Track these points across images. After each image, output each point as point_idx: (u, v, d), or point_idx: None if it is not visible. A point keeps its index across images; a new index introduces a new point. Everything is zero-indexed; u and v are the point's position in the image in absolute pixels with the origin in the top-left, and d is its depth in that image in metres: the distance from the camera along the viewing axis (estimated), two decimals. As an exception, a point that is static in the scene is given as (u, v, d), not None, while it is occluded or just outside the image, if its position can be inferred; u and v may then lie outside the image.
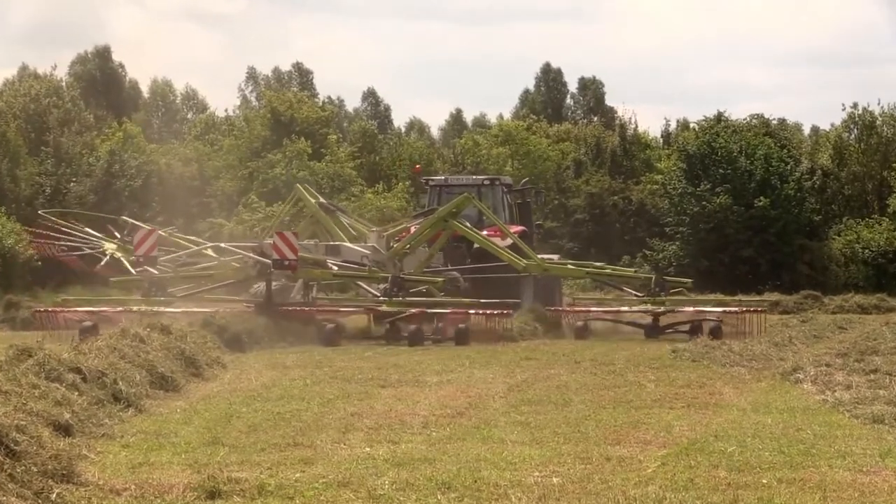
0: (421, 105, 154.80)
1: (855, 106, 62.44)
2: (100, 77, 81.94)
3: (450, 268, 30.45)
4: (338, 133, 65.77)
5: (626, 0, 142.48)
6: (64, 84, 63.31)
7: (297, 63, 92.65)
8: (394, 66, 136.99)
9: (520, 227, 32.32)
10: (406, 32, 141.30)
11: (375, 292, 27.67)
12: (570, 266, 33.08)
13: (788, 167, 55.44)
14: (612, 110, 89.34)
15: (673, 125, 75.33)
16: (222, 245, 30.38)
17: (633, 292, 30.06)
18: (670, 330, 28.49)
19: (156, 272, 27.50)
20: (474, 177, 38.47)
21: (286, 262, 26.18)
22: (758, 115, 63.24)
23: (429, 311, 26.53)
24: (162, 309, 25.24)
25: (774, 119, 64.59)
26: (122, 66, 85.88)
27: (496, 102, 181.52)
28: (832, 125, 67.46)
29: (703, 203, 53.86)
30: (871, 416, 12.58)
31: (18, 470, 8.61)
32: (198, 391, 15.44)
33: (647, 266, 51.03)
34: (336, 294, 35.37)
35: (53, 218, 33.67)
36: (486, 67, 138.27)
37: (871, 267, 54.17)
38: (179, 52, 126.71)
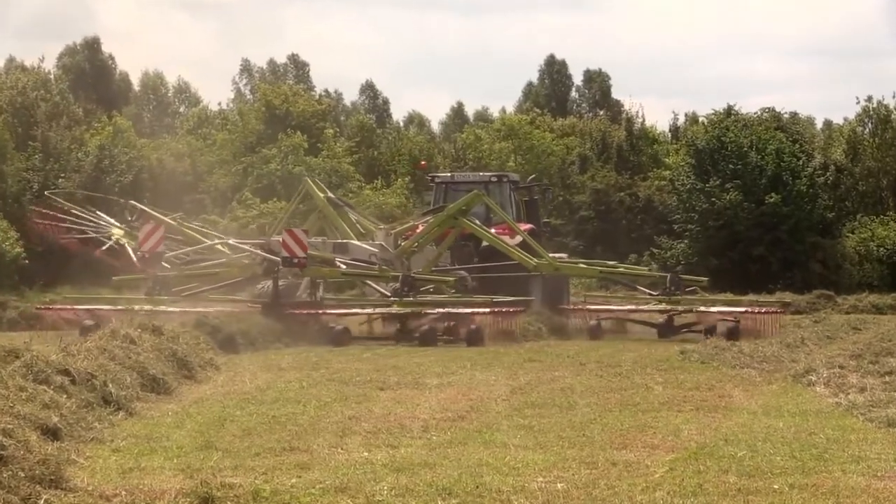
0: (421, 98, 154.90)
1: (869, 99, 62.51)
2: (89, 69, 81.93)
3: (457, 267, 30.63)
4: (335, 127, 65.77)
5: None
6: (52, 77, 63.31)
7: (293, 55, 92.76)
8: (393, 58, 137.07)
9: (528, 225, 32.45)
10: (405, 23, 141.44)
11: (385, 291, 27.80)
12: (581, 265, 33.35)
13: (801, 162, 55.41)
14: (618, 104, 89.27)
15: (681, 119, 75.42)
16: (231, 241, 30.24)
17: (648, 291, 30.28)
18: (685, 330, 28.61)
19: (162, 269, 27.49)
20: (481, 173, 38.56)
21: (295, 260, 26.32)
22: (769, 108, 63.23)
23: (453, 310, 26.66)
24: (166, 309, 25.33)
25: (786, 113, 64.60)
26: (111, 57, 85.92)
27: (498, 95, 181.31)
28: (845, 119, 67.63)
29: (713, 199, 53.83)
30: (886, 420, 12.59)
31: (5, 475, 8.61)
32: (190, 394, 15.45)
33: (654, 265, 51.06)
34: (333, 293, 35.39)
35: (60, 200, 33.60)
36: (489, 59, 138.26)
37: (887, 265, 54.16)
38: (171, 43, 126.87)
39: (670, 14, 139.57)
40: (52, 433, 10.78)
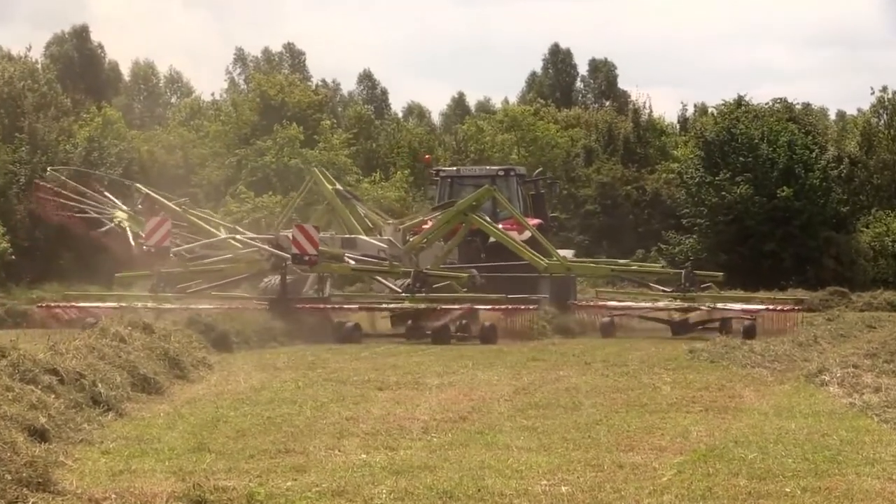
0: (420, 88, 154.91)
1: (884, 90, 62.54)
2: (78, 58, 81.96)
3: (466, 265, 30.80)
4: (332, 118, 65.82)
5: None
6: (39, 66, 63.24)
7: (289, 43, 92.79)
8: (392, 47, 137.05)
9: (536, 221, 32.59)
10: (405, 10, 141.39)
11: (396, 288, 27.88)
12: (593, 264, 33.56)
13: (813, 155, 55.42)
14: (624, 94, 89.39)
15: (690, 110, 75.46)
16: (239, 235, 30.18)
17: (661, 288, 30.46)
18: (700, 328, 28.72)
19: (167, 264, 27.51)
20: (488, 167, 38.68)
21: (306, 257, 26.23)
22: (781, 99, 63.30)
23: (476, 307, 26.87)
24: (169, 306, 25.37)
25: (798, 103, 64.65)
26: (101, 46, 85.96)
27: (501, 85, 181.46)
28: (859, 110, 67.60)
29: (723, 193, 53.86)
30: (901, 421, 12.59)
31: (-9, 478, 8.61)
32: (182, 394, 15.45)
33: (661, 260, 51.09)
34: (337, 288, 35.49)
35: (63, 177, 33.49)
36: (491, 48, 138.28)
37: (902, 262, 54.23)
38: (162, 31, 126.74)
39: (679, 2, 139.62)
40: (39, 434, 10.78)
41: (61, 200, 31.81)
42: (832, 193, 55.11)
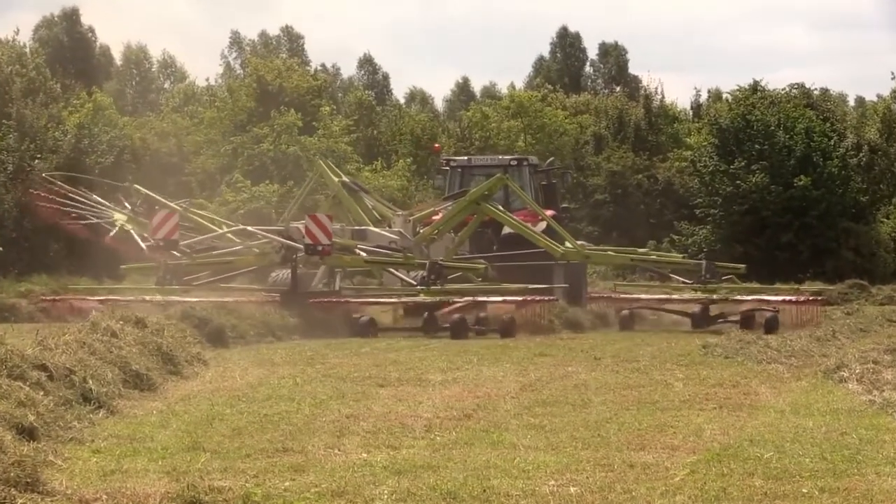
0: (423, 73, 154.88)
1: (905, 74, 62.42)
2: (67, 42, 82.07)
3: (476, 255, 31.03)
4: (331, 104, 65.85)
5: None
6: (28, 50, 63.28)
7: (287, 26, 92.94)
8: (393, 30, 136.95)
9: (549, 212, 32.78)
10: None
11: (410, 280, 27.97)
12: (611, 252, 33.82)
13: (832, 142, 55.42)
14: (635, 79, 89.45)
15: (704, 96, 75.57)
16: (250, 228, 30.47)
17: (681, 279, 30.66)
18: (721, 320, 28.81)
19: (174, 257, 27.72)
20: (500, 157, 38.93)
21: (319, 248, 26.37)
22: (798, 84, 63.28)
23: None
24: (177, 298, 25.53)
25: (816, 89, 64.69)
26: (91, 30, 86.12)
27: (507, 70, 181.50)
28: (879, 96, 67.55)
29: (738, 182, 53.87)
30: (923, 419, 12.60)
31: (-23, 478, 8.62)
32: (176, 391, 15.46)
33: (673, 252, 51.08)
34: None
35: (59, 182, 33.71)
36: (497, 31, 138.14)
37: (924, 253, 54.25)
38: (155, 13, 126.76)
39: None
40: (28, 433, 10.79)
41: (60, 208, 32.20)
42: (851, 182, 55.09)
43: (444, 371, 17.66)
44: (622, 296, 32.06)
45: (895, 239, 55.22)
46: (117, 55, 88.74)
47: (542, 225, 31.13)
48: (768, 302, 29.25)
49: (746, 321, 28.07)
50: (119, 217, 31.03)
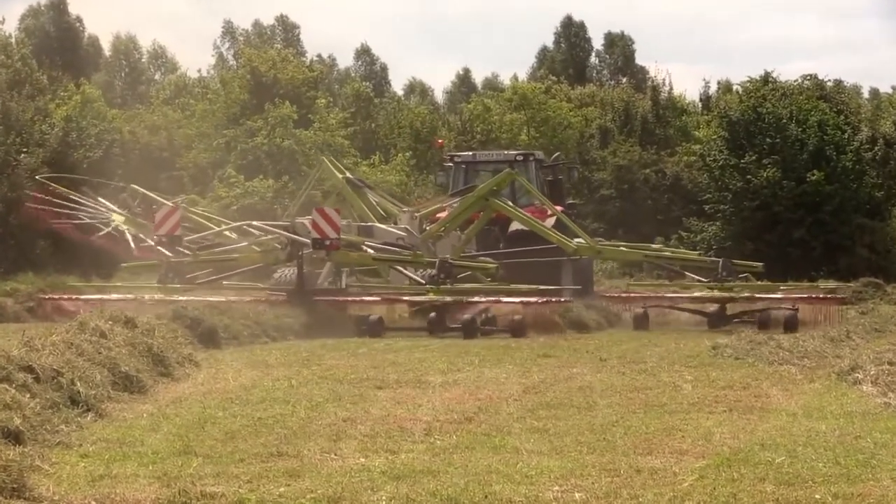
0: (423, 64, 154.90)
1: (922, 65, 62.43)
2: (54, 32, 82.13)
3: (482, 252, 31.22)
4: (328, 96, 65.87)
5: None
6: (13, 40, 63.29)
7: (282, 16, 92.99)
8: (392, 19, 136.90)
9: (558, 207, 32.90)
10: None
11: (419, 279, 28.05)
12: (623, 248, 34.01)
13: (846, 136, 55.37)
14: (642, 70, 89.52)
15: (713, 87, 75.61)
16: (255, 224, 30.60)
17: (697, 277, 30.86)
18: (737, 320, 28.97)
19: (176, 255, 27.84)
20: (506, 152, 39.10)
21: (327, 242, 26.46)
22: (810, 75, 63.21)
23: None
24: (178, 297, 25.65)
25: (829, 80, 64.61)
26: (79, 20, 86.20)
27: (510, 61, 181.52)
28: (894, 88, 67.51)
29: (748, 177, 53.82)
30: (940, 423, 12.60)
31: (-39, 483, 8.63)
32: (167, 393, 15.47)
33: (682, 248, 51.10)
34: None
35: (53, 184, 33.82)
36: (499, 20, 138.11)
37: (941, 250, 54.24)
38: (145, 3, 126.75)
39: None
40: (13, 437, 10.80)
41: (55, 209, 32.30)
42: (866, 177, 55.04)
43: (445, 372, 17.67)
44: (646, 294, 32.28)
45: (911, 236, 55.24)
46: (106, 46, 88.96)
47: (551, 221, 31.31)
48: (788, 300, 29.49)
49: (763, 321, 28.23)
50: (117, 218, 31.20)
